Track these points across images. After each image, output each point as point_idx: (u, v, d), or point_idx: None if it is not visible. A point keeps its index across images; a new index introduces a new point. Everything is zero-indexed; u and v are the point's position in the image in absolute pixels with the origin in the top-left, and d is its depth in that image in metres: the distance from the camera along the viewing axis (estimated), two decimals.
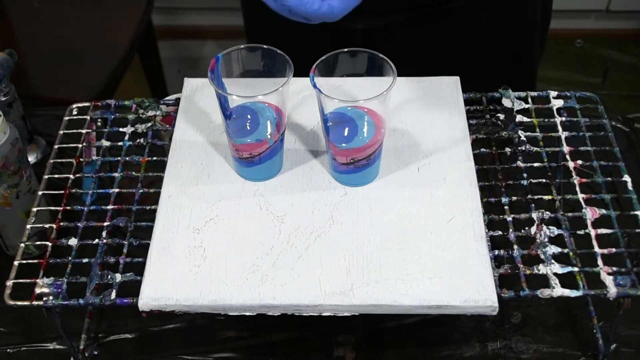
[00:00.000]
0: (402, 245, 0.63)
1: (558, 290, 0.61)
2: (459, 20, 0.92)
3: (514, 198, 0.68)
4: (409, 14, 0.90)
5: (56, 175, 0.73)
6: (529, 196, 0.68)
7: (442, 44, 0.93)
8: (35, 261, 0.65)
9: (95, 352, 0.75)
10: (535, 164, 0.71)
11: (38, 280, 0.63)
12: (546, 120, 0.75)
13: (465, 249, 0.63)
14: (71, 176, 0.72)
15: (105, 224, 0.67)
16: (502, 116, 0.75)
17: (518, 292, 0.61)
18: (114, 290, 0.62)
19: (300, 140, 0.72)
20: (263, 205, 0.67)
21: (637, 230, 0.66)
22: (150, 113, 0.77)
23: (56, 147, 0.75)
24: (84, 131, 0.76)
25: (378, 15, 0.90)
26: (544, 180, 0.70)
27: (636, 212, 0.67)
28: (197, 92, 0.77)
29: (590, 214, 0.66)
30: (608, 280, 0.61)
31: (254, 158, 0.67)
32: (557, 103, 0.76)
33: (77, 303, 0.62)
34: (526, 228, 0.65)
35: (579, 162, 0.71)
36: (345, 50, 0.64)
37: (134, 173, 0.72)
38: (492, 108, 0.76)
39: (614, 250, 0.64)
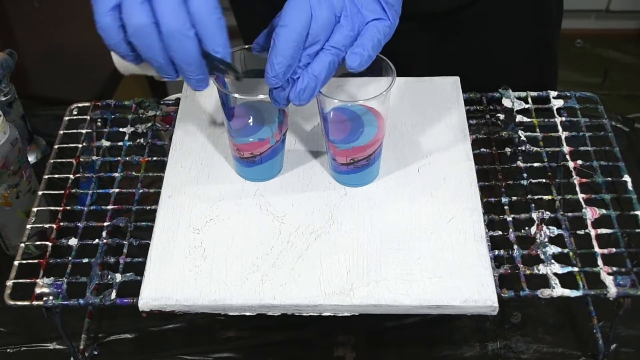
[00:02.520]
0: (402, 245, 0.63)
1: (558, 290, 0.61)
2: (461, 28, 0.91)
3: (514, 198, 0.68)
4: (407, 23, 0.90)
5: (56, 175, 0.73)
6: (529, 196, 0.68)
7: (449, 51, 0.93)
8: (35, 261, 0.65)
9: (95, 352, 0.75)
10: (535, 164, 0.71)
11: (38, 280, 0.63)
12: (546, 120, 0.75)
13: (465, 249, 0.63)
14: (71, 176, 0.72)
15: (105, 224, 0.67)
16: (502, 116, 0.75)
17: (518, 292, 0.61)
18: (114, 290, 0.62)
19: (300, 140, 0.72)
20: (263, 205, 0.67)
21: (637, 230, 0.66)
22: (150, 113, 0.77)
23: (56, 147, 0.75)
24: (84, 131, 0.76)
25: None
26: (544, 180, 0.70)
27: (636, 212, 0.67)
28: (197, 92, 0.77)
29: (590, 214, 0.66)
30: (608, 280, 0.61)
31: (255, 158, 0.67)
32: (557, 103, 0.76)
33: (77, 303, 0.62)
34: (526, 228, 0.65)
35: (579, 162, 0.71)
36: None
37: (134, 173, 0.72)
38: (492, 108, 0.76)
39: (614, 250, 0.64)
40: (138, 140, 0.75)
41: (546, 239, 0.64)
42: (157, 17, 0.54)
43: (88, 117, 0.77)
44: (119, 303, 0.61)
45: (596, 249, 0.64)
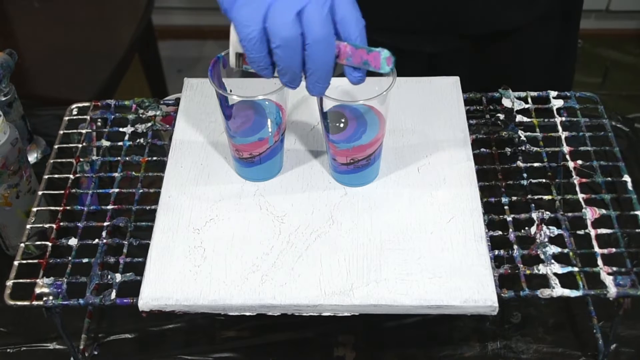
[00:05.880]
0: (402, 245, 0.63)
1: (558, 290, 0.61)
2: (516, 42, 0.93)
3: (514, 198, 0.68)
4: (466, 40, 0.91)
5: (56, 175, 0.73)
6: (529, 196, 0.68)
7: (499, 66, 0.95)
8: (35, 261, 0.65)
9: (95, 352, 0.75)
10: (535, 164, 0.71)
11: (38, 280, 0.63)
12: (546, 120, 0.75)
13: (465, 249, 0.63)
14: (71, 176, 0.72)
15: (105, 224, 0.67)
16: (502, 116, 0.75)
17: (518, 292, 0.61)
18: (114, 290, 0.62)
19: (300, 140, 0.72)
20: (263, 205, 0.67)
21: (637, 230, 0.66)
22: (150, 113, 0.77)
23: (56, 147, 0.75)
24: (83, 131, 0.76)
25: (436, 38, 0.91)
26: (544, 180, 0.70)
27: (636, 212, 0.67)
28: (197, 92, 0.77)
29: (590, 214, 0.66)
30: (608, 280, 0.61)
31: (254, 158, 0.67)
32: (557, 103, 0.76)
33: (77, 303, 0.62)
34: (526, 228, 0.65)
35: (579, 162, 0.71)
36: None
37: (134, 173, 0.72)
38: (492, 108, 0.76)
39: (614, 250, 0.64)
40: (138, 140, 0.75)
41: (546, 239, 0.64)
42: (305, 27, 0.56)
43: (88, 117, 0.77)
44: (119, 303, 0.61)
45: (596, 249, 0.64)
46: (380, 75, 0.63)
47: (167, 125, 0.77)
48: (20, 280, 0.64)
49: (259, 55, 0.57)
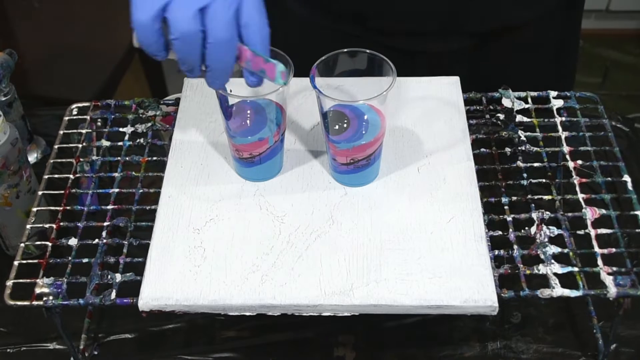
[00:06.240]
0: (402, 245, 0.63)
1: (558, 290, 0.61)
2: (519, 43, 0.93)
3: (514, 198, 0.68)
4: (473, 38, 0.91)
5: (56, 175, 0.73)
6: (529, 196, 0.68)
7: (500, 66, 0.95)
8: (35, 261, 0.65)
9: (95, 352, 0.75)
10: (535, 164, 0.71)
11: (38, 280, 0.63)
12: (546, 120, 0.75)
13: (465, 249, 0.63)
14: (71, 176, 0.72)
15: (105, 224, 0.67)
16: (502, 116, 0.75)
17: (518, 292, 0.61)
18: (114, 290, 0.62)
19: (300, 140, 0.72)
20: (263, 205, 0.67)
21: (637, 230, 0.66)
22: (150, 113, 0.77)
23: (56, 147, 0.75)
24: (83, 131, 0.76)
25: (444, 38, 0.91)
26: (544, 180, 0.70)
27: (636, 212, 0.67)
28: (197, 92, 0.77)
29: (590, 214, 0.66)
30: (608, 280, 0.61)
31: (254, 158, 0.67)
32: (557, 103, 0.76)
33: (77, 303, 0.62)
34: (526, 228, 0.65)
35: (579, 162, 0.71)
36: (345, 50, 0.64)
37: (134, 173, 0.72)
38: (492, 108, 0.76)
39: (614, 250, 0.64)
40: (138, 140, 0.75)
41: (546, 239, 0.64)
42: (207, 26, 0.55)
43: (88, 117, 0.77)
44: (119, 303, 0.61)
45: (596, 249, 0.64)
46: (380, 75, 0.63)
47: (167, 125, 0.77)
48: (20, 280, 0.64)
49: (150, 42, 0.57)
